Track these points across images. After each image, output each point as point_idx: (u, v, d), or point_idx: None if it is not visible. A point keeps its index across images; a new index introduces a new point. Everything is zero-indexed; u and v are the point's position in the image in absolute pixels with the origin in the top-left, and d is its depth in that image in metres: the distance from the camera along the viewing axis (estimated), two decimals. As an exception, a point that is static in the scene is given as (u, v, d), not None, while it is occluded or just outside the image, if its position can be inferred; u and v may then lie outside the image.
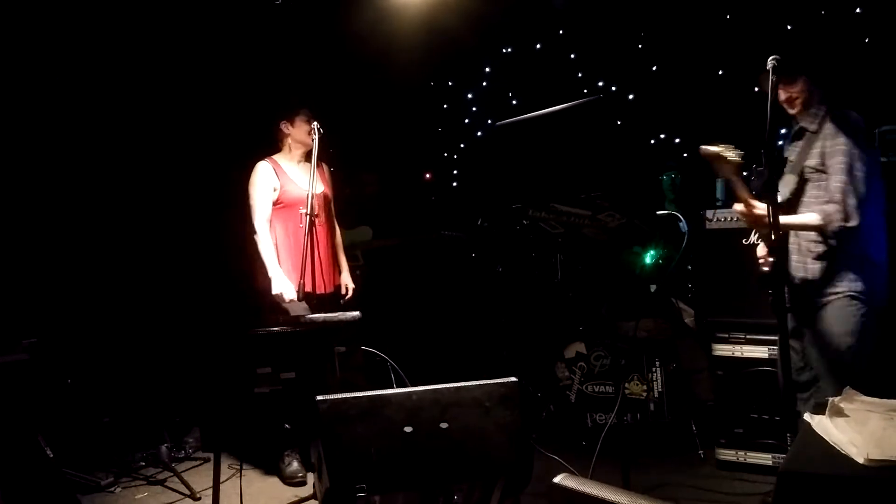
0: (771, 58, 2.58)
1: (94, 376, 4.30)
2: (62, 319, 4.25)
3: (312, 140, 3.63)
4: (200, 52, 4.75)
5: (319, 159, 3.73)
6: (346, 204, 5.14)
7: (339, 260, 4.00)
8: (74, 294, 4.44)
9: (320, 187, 3.83)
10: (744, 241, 3.40)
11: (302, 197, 3.66)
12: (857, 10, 4.59)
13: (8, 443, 3.16)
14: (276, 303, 3.60)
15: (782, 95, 2.86)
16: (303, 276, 3.44)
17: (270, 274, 3.62)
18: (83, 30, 4.36)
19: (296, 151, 3.82)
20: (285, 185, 3.73)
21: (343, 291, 3.92)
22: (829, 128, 2.79)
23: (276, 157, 3.83)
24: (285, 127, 3.80)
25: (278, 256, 3.70)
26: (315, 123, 3.63)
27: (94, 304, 4.51)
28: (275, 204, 3.74)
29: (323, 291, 3.73)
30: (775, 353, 3.11)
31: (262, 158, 3.80)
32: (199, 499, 3.52)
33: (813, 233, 2.81)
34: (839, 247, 2.76)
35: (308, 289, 3.54)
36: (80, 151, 4.54)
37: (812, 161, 2.80)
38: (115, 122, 4.65)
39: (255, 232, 3.70)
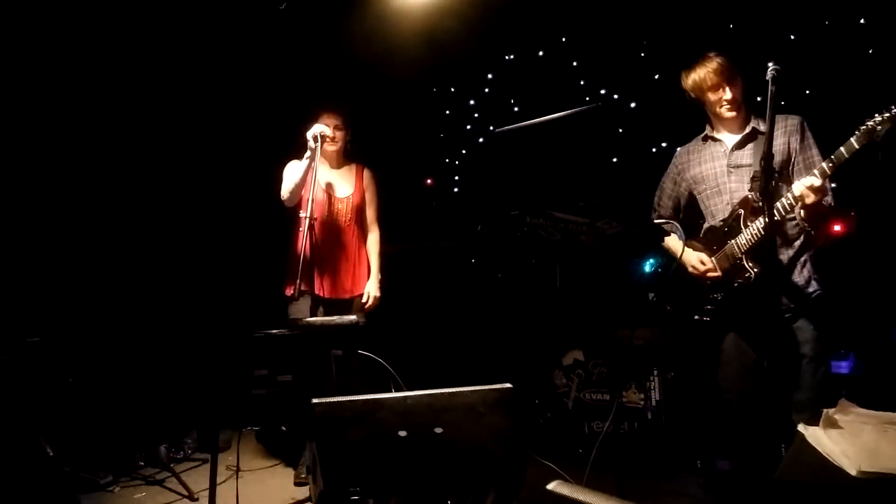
0: (771, 67, 2.59)
1: (95, 376, 4.32)
2: (65, 319, 4.28)
3: (315, 147, 3.64)
4: (202, 56, 4.78)
5: (359, 163, 3.99)
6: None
7: (368, 266, 3.95)
8: (77, 294, 4.47)
9: (346, 191, 3.90)
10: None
11: (313, 198, 3.65)
12: (861, 21, 4.60)
13: (8, 440, 3.18)
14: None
15: (728, 94, 2.98)
16: (301, 278, 3.45)
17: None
18: (107, 36, 4.45)
19: (324, 156, 3.87)
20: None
21: (364, 299, 3.87)
22: (786, 125, 2.93)
23: None
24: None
25: (297, 246, 3.68)
26: (318, 130, 3.63)
27: (97, 304, 4.54)
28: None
29: (331, 296, 3.77)
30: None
31: (292, 159, 3.84)
32: (197, 500, 3.53)
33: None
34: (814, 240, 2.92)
35: (308, 289, 3.57)
36: (83, 152, 4.57)
37: (779, 158, 2.85)
38: (116, 124, 4.69)
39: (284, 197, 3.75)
